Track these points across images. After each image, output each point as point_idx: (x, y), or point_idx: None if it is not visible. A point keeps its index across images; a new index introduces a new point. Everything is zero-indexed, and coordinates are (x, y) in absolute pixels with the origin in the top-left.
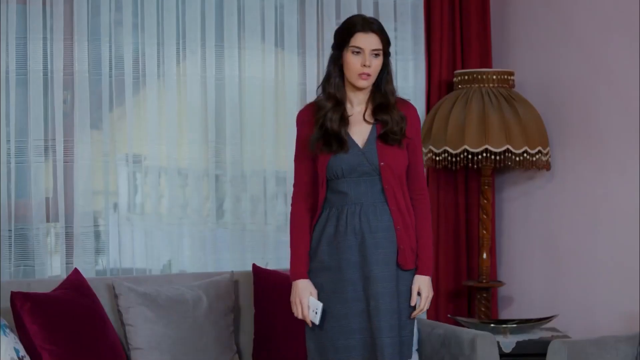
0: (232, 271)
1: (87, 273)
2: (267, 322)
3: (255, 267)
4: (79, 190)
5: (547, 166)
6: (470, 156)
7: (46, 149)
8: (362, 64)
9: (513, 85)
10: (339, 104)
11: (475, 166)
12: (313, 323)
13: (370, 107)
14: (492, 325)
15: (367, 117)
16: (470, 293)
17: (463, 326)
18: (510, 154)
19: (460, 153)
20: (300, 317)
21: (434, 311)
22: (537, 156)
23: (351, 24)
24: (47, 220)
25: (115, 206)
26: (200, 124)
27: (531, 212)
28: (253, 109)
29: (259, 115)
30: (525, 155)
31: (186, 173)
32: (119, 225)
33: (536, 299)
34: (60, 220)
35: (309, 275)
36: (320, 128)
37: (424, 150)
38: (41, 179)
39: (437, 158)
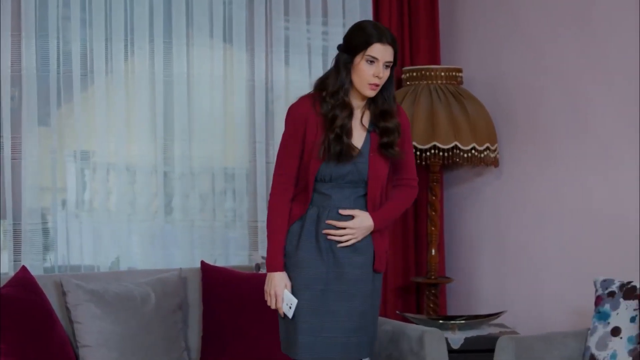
0: (181, 268)
1: (35, 270)
2: (216, 319)
3: (203, 264)
4: (26, 187)
5: (495, 163)
6: (418, 153)
7: None
8: (375, 74)
9: (461, 82)
10: (352, 114)
11: (424, 163)
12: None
13: (367, 112)
14: (440, 321)
15: (365, 123)
16: (419, 289)
17: (411, 322)
18: (458, 151)
19: None
20: (273, 307)
21: (383, 307)
22: (485, 153)
23: (369, 33)
24: None
25: (64, 203)
26: (149, 120)
27: (479, 208)
28: (201, 106)
29: (207, 111)
30: (473, 151)
31: (134, 169)
32: (67, 222)
33: (484, 295)
34: (8, 217)
35: (285, 269)
36: (336, 139)
37: None
38: None
39: None
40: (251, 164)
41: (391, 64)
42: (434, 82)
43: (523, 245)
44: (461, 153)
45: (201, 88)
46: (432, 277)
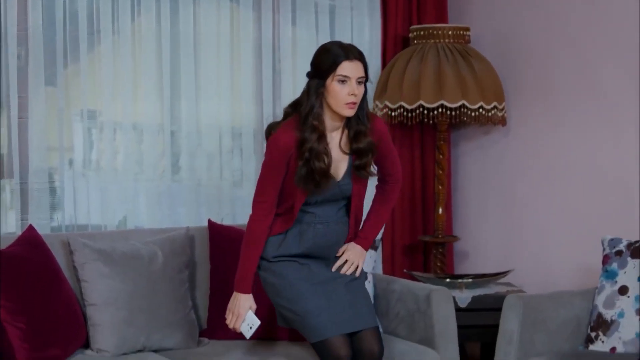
0: (188, 227)
1: (42, 229)
2: (223, 278)
3: (210, 222)
4: (33, 147)
5: (502, 121)
6: (425, 112)
7: (0, 105)
8: (349, 92)
9: (469, 41)
10: (322, 137)
11: (431, 122)
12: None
13: (345, 134)
14: (447, 280)
15: (344, 147)
16: (426, 248)
17: (419, 281)
18: (465, 110)
19: (415, 108)
20: (231, 327)
21: (390, 266)
22: (492, 111)
23: (335, 53)
24: (2, 177)
25: (71, 162)
26: (156, 79)
27: (487, 167)
28: (208, 65)
29: (214, 70)
30: (480, 110)
31: (141, 128)
32: (74, 182)
33: (492, 253)
34: (15, 176)
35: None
36: (305, 164)
37: (380, 105)
38: None
39: (393, 113)
40: (258, 123)
41: (363, 79)
42: (442, 41)
43: (530, 204)
44: (469, 112)
45: (208, 47)
46: (440, 236)
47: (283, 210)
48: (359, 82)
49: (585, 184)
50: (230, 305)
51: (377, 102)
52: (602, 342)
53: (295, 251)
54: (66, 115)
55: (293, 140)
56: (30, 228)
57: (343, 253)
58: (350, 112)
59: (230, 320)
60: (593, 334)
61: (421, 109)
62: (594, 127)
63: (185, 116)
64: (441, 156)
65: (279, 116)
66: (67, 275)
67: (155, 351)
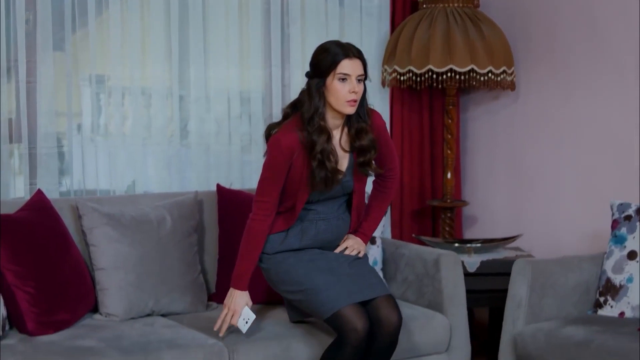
0: (197, 191)
1: (51, 194)
2: (231, 242)
3: (219, 187)
4: (42, 112)
5: (511, 86)
6: (434, 76)
7: (9, 69)
8: (350, 90)
9: (478, 5)
10: (330, 137)
11: (440, 86)
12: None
13: (345, 132)
14: (456, 244)
15: (344, 145)
16: (435, 213)
17: (427, 246)
18: (474, 74)
19: (424, 73)
20: (227, 322)
21: (398, 231)
22: (501, 76)
23: (335, 52)
24: (10, 142)
25: (79, 127)
26: (164, 44)
27: (496, 132)
28: (217, 29)
29: (223, 35)
30: (489, 75)
31: (150, 93)
32: (82, 147)
33: (500, 218)
34: (24, 141)
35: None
36: (321, 167)
37: (389, 69)
38: (4, 100)
39: (402, 78)
40: (267, 88)
41: (363, 77)
42: (451, 5)
43: (539, 168)
44: (478, 76)
45: (216, 11)
46: (448, 201)
47: (284, 209)
48: (359, 80)
49: (594, 148)
50: (226, 301)
51: (385, 67)
52: (611, 307)
53: (297, 247)
54: (74, 80)
55: (296, 141)
56: (39, 192)
57: (344, 242)
58: (351, 110)
59: (227, 316)
60: (602, 299)
61: (430, 74)
62: (604, 91)
63: (194, 81)
64: (450, 121)
65: (288, 80)
66: (76, 239)
67: (163, 315)
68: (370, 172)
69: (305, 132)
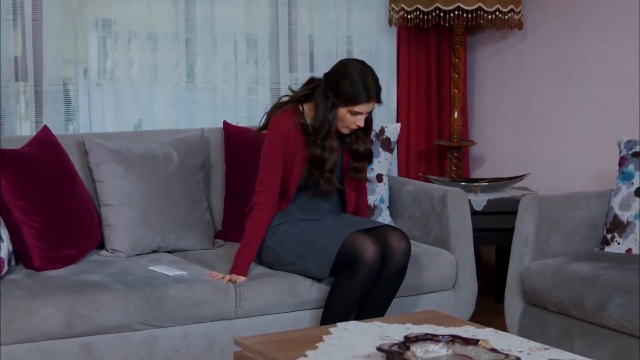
0: (203, 128)
1: (57, 131)
2: (238, 179)
3: (226, 124)
4: (48, 51)
5: (519, 25)
6: (442, 14)
7: (14, 6)
8: (355, 122)
9: None
10: (336, 153)
11: (447, 24)
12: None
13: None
14: (463, 183)
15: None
16: (441, 153)
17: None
18: (482, 12)
19: (432, 11)
20: (220, 280)
21: (405, 171)
22: (509, 14)
23: (358, 92)
24: (16, 80)
25: (86, 72)
26: None
27: (503, 71)
28: None
29: None
30: (497, 13)
31: (156, 37)
32: (89, 90)
33: (508, 158)
34: (30, 79)
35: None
36: (327, 182)
37: (395, 8)
38: (10, 37)
39: (409, 16)
40: (273, 29)
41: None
42: None
43: (546, 107)
44: (485, 15)
45: None
46: (455, 140)
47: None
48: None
49: (602, 86)
50: (228, 275)
51: (392, 5)
52: (618, 243)
53: (295, 218)
54: (80, 24)
55: (291, 123)
56: (45, 128)
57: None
58: (347, 132)
59: (221, 279)
60: (609, 236)
61: (437, 12)
62: (611, 28)
63: (200, 23)
64: (457, 60)
65: (295, 19)
66: (82, 175)
67: (170, 252)
68: (361, 178)
69: (312, 144)
